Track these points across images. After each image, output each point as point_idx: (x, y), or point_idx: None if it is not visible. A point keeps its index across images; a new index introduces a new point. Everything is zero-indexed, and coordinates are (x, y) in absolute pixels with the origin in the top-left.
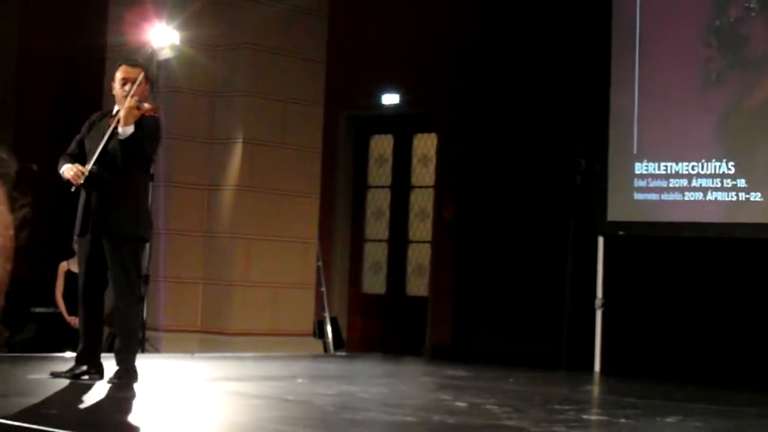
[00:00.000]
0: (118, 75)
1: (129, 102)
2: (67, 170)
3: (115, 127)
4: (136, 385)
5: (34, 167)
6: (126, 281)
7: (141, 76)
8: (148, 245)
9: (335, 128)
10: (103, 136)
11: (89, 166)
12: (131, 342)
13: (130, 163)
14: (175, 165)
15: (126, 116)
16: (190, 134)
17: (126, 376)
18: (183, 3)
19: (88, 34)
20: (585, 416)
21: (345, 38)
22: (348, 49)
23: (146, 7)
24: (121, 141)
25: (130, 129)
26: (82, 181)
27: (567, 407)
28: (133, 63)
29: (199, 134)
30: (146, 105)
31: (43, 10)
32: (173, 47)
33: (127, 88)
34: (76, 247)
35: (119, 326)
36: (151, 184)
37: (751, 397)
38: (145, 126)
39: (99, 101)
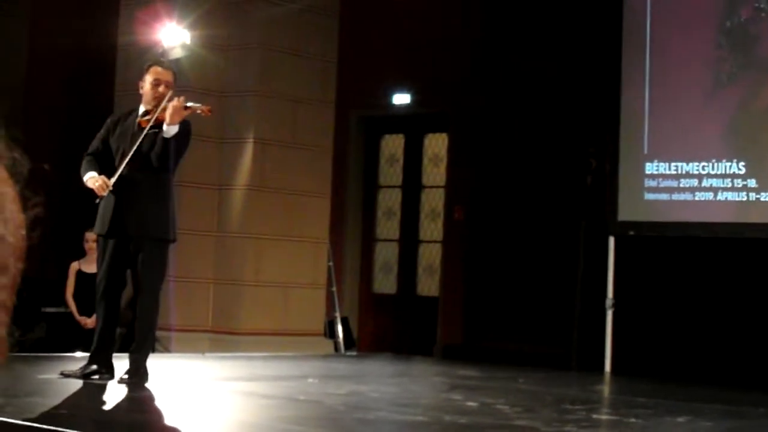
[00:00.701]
0: (149, 77)
1: (176, 102)
2: (92, 181)
3: (153, 127)
4: (146, 385)
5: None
6: (154, 282)
7: (173, 77)
8: None
9: (346, 128)
10: (132, 136)
11: (114, 179)
12: (148, 343)
13: (166, 162)
14: (186, 165)
15: (173, 115)
16: (200, 134)
17: (137, 376)
18: (194, 3)
19: (98, 34)
20: (595, 416)
21: (356, 38)
22: (359, 48)
23: (157, 7)
24: (165, 139)
25: (175, 128)
26: (105, 194)
27: (578, 407)
28: (166, 65)
29: (210, 134)
30: (196, 105)
31: (53, 9)
32: (184, 47)
33: (161, 89)
34: (87, 246)
35: (140, 326)
36: None
37: (761, 397)
38: (181, 128)
39: (110, 101)
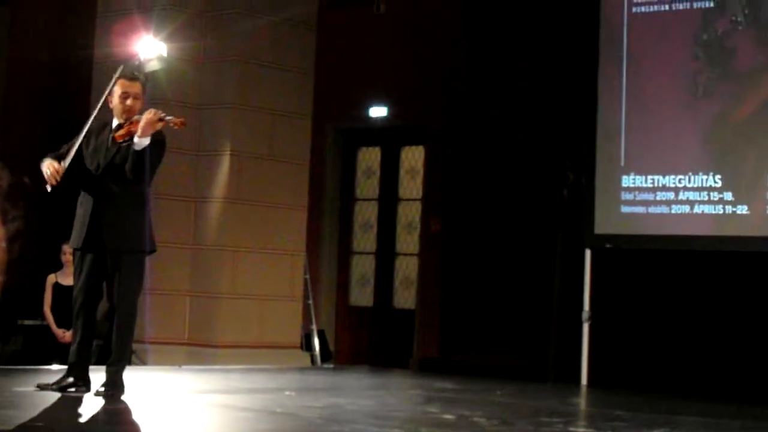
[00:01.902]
0: (117, 89)
1: (150, 115)
2: (45, 166)
3: (123, 141)
4: (123, 398)
5: (26, 180)
6: (131, 294)
7: (142, 89)
8: None
9: (323, 140)
10: (106, 150)
11: (65, 163)
12: (125, 355)
13: (141, 174)
14: (163, 177)
15: (145, 127)
16: (177, 146)
17: (113, 389)
18: (170, 15)
19: (75, 47)
20: (572, 429)
21: (333, 51)
22: (336, 61)
23: (134, 19)
24: (137, 152)
25: (146, 140)
26: (55, 183)
27: (554, 420)
28: (131, 77)
29: (187, 146)
30: (170, 117)
31: (31, 21)
32: (161, 59)
33: (129, 102)
34: (64, 259)
35: (117, 339)
36: None
37: (738, 409)
38: (154, 140)
39: (87, 113)
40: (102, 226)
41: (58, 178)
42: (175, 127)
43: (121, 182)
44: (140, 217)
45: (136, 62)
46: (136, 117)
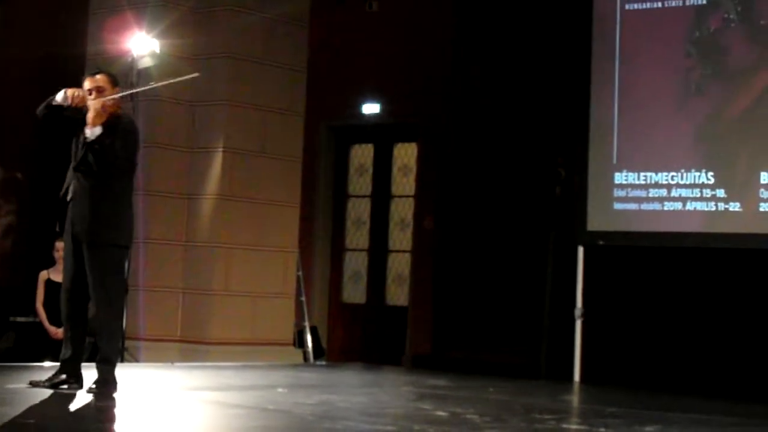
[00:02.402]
0: (86, 87)
1: (94, 104)
2: (66, 91)
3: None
4: (115, 395)
5: (19, 175)
6: (104, 289)
7: (105, 81)
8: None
9: (316, 137)
10: (81, 145)
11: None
12: (111, 352)
13: (105, 166)
14: (155, 174)
15: (93, 117)
16: (170, 143)
17: (105, 386)
18: (163, 12)
19: (67, 43)
20: (565, 425)
21: (326, 48)
22: (329, 58)
23: (126, 16)
24: (89, 143)
25: (98, 130)
26: (77, 103)
27: (547, 417)
28: (93, 72)
29: (179, 143)
30: (110, 105)
31: (22, 18)
32: (153, 56)
33: (92, 97)
34: (57, 255)
35: (99, 336)
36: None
37: (731, 406)
38: (121, 129)
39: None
40: (73, 218)
41: (82, 102)
42: (110, 108)
43: (91, 176)
44: (112, 209)
45: (129, 59)
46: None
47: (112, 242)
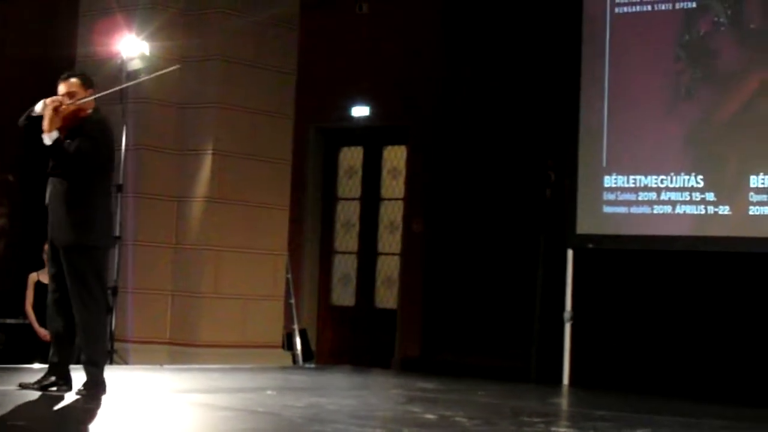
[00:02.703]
0: (59, 91)
1: (46, 110)
2: (48, 98)
3: (67, 137)
4: (104, 397)
5: (11, 178)
6: (83, 292)
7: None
8: (116, 254)
9: (305, 140)
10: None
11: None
12: (96, 354)
13: (73, 169)
14: (145, 176)
15: (47, 123)
16: (159, 145)
17: (94, 388)
18: (153, 14)
19: (58, 45)
20: (554, 429)
21: (315, 50)
22: (318, 61)
23: (116, 18)
24: (47, 147)
25: (54, 134)
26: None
27: (536, 420)
28: (66, 76)
29: (169, 145)
30: (63, 106)
31: (13, 20)
32: (143, 58)
33: (67, 101)
34: (46, 257)
35: (81, 338)
36: (119, 195)
37: (720, 409)
38: (86, 129)
39: None
40: (49, 221)
41: (63, 104)
42: (68, 111)
43: (63, 180)
44: (82, 212)
45: (119, 61)
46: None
47: (87, 245)
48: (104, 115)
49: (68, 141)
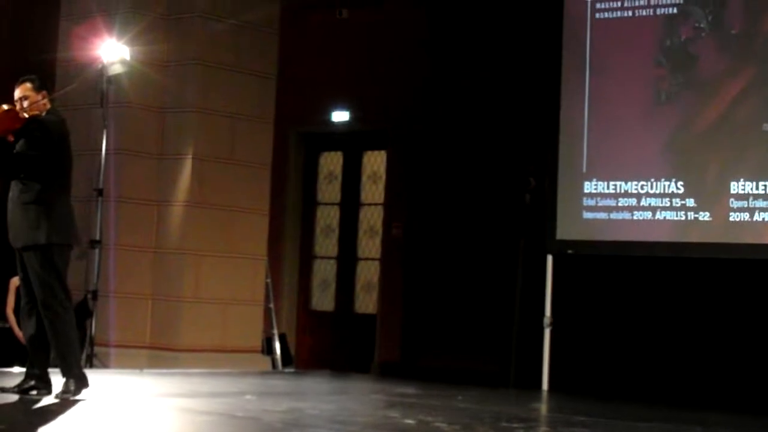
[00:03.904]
0: (15, 95)
1: None
2: None
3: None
4: (84, 401)
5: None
6: (43, 291)
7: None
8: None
9: (285, 145)
10: None
11: None
12: (67, 351)
13: (13, 170)
14: (125, 180)
15: None
16: (139, 149)
17: (74, 384)
18: (133, 18)
19: (37, 49)
20: None
21: (295, 55)
22: (299, 65)
23: (96, 23)
24: None
25: None
26: None
27: (515, 425)
28: (20, 81)
29: (149, 149)
30: (3, 106)
31: None
32: (123, 62)
33: (25, 104)
34: None
35: (50, 338)
36: (99, 199)
37: (699, 415)
38: (29, 129)
39: None
40: (7, 225)
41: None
42: (9, 115)
43: (16, 180)
44: (38, 211)
45: (99, 65)
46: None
47: (40, 243)
48: (56, 116)
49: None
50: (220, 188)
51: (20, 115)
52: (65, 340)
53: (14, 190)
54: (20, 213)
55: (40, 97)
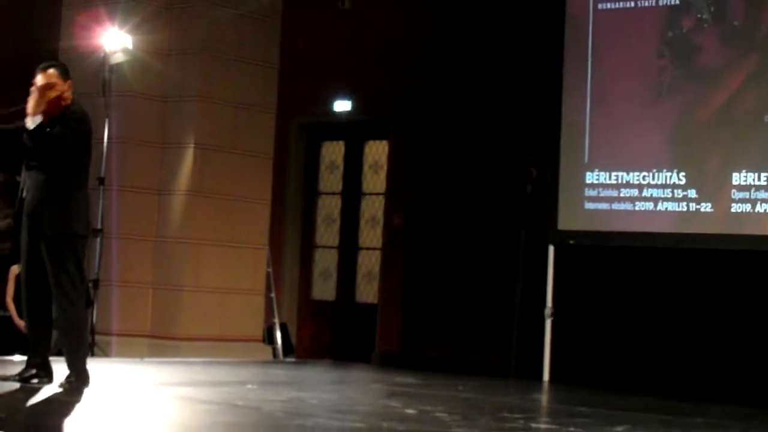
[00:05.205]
0: (38, 82)
1: (33, 93)
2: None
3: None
4: (86, 390)
5: (18, 178)
6: (65, 280)
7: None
8: (97, 246)
9: (287, 134)
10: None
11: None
12: (77, 344)
13: (52, 156)
14: (127, 169)
15: (33, 106)
16: (141, 138)
17: (77, 381)
18: (135, 7)
19: (40, 38)
20: (534, 425)
21: (298, 44)
22: (301, 55)
23: (99, 11)
24: (29, 132)
25: (38, 118)
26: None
27: (516, 415)
28: (43, 68)
29: (151, 138)
30: (51, 93)
31: None
32: (125, 51)
33: (52, 94)
34: None
35: (62, 328)
36: (101, 187)
37: (699, 406)
38: (67, 119)
39: None
40: (27, 212)
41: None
42: (50, 98)
43: (41, 168)
44: (63, 201)
45: (101, 54)
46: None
47: (69, 233)
48: (83, 107)
49: (48, 129)
50: (221, 177)
51: (61, 102)
52: (77, 333)
53: (37, 178)
54: (47, 202)
55: (66, 86)
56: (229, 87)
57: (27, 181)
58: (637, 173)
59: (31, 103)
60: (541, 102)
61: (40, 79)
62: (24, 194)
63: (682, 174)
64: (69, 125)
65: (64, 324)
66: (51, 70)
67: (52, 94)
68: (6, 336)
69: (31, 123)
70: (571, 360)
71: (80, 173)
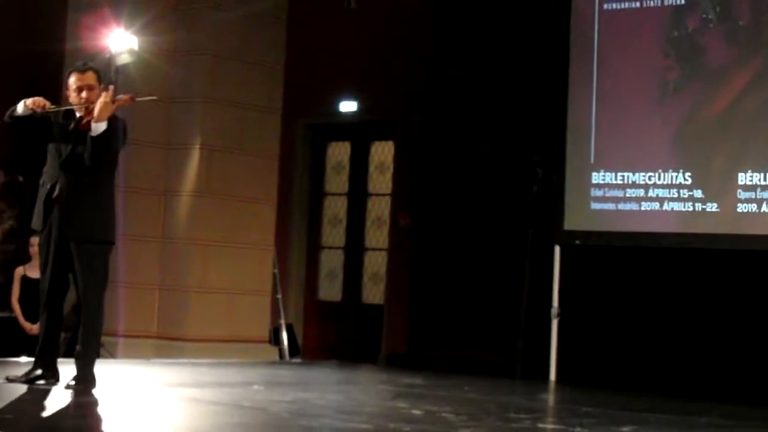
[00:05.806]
0: (71, 84)
1: (104, 97)
2: (26, 101)
3: (86, 130)
4: (92, 391)
5: (21, 179)
6: (94, 285)
7: (94, 79)
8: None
9: (293, 135)
10: (68, 138)
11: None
12: (92, 348)
13: (100, 162)
14: (133, 170)
15: (100, 111)
16: (147, 139)
17: (84, 382)
18: (141, 8)
19: (46, 40)
20: (540, 425)
21: (303, 45)
22: (306, 55)
23: (105, 13)
24: (93, 138)
25: (102, 125)
26: (40, 108)
27: (523, 416)
28: (82, 68)
29: (157, 139)
30: (122, 96)
31: (1, 14)
32: (131, 52)
33: (84, 94)
34: (32, 251)
35: (84, 331)
36: None
37: (706, 407)
38: (119, 127)
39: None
40: (61, 215)
41: (44, 108)
42: (125, 103)
43: (82, 172)
44: (100, 207)
45: (107, 55)
46: (92, 105)
47: (104, 240)
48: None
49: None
50: (227, 178)
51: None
52: (96, 337)
53: (73, 181)
54: (85, 207)
55: (101, 89)
56: (235, 88)
57: (60, 181)
58: (642, 173)
59: (98, 109)
60: (547, 102)
61: (76, 80)
62: (55, 194)
63: (688, 174)
64: (116, 133)
65: (86, 327)
66: (89, 73)
67: (120, 102)
68: (12, 338)
69: (95, 129)
70: (578, 360)
71: (112, 180)
